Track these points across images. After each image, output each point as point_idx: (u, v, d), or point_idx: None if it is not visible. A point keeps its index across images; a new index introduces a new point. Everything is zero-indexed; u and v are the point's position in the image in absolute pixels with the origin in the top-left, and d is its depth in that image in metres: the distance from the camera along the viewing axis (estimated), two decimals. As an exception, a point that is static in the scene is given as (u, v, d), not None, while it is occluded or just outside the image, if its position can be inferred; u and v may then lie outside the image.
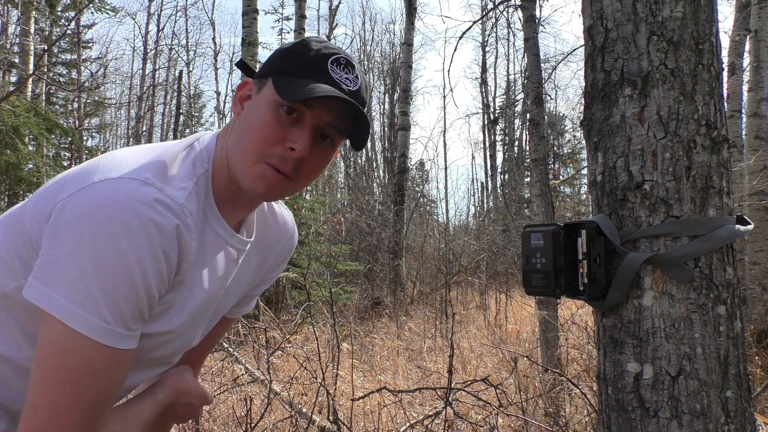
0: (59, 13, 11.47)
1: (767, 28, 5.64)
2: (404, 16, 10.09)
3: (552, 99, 24.98)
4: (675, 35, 0.95)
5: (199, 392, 0.98)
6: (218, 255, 0.89)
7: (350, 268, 7.35)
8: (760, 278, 5.36)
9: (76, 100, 12.72)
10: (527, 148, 17.36)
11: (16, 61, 9.85)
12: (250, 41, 7.07)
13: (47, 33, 12.74)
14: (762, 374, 3.47)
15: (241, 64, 0.98)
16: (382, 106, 22.51)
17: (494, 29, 22.86)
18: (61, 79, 15.31)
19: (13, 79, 11.31)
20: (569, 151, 22.54)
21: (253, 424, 2.46)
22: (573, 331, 4.00)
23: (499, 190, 21.90)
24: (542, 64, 5.21)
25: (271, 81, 0.83)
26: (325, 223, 8.18)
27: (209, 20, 38.57)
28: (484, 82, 23.23)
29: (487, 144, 23.64)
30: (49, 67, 13.68)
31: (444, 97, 25.59)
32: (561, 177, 18.55)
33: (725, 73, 6.05)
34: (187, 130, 22.54)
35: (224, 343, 3.64)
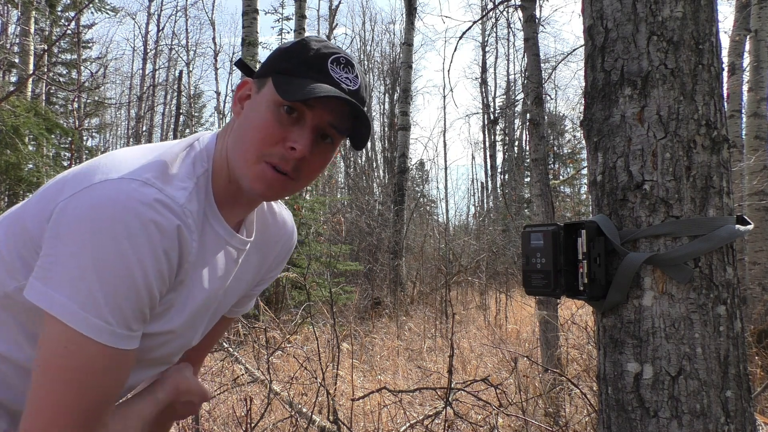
0: (59, 13, 11.47)
1: (767, 28, 5.64)
2: (404, 16, 10.10)
3: (552, 99, 25.00)
4: (675, 35, 0.95)
5: (199, 390, 0.98)
6: (218, 255, 0.89)
7: (350, 268, 7.35)
8: (760, 278, 5.36)
9: (76, 100, 12.72)
10: (527, 148, 17.37)
11: (16, 61, 9.85)
12: (250, 41, 7.07)
13: (47, 33, 12.74)
14: (762, 374, 3.47)
15: (240, 64, 0.98)
16: (382, 106, 22.52)
17: (494, 29, 22.88)
18: (61, 79, 15.31)
19: (13, 79, 11.31)
20: (569, 151, 22.54)
21: (253, 424, 2.46)
22: (573, 331, 4.00)
23: (499, 190, 21.90)
24: (542, 64, 5.21)
25: (271, 81, 0.83)
26: (325, 223, 8.18)
27: (209, 20, 38.58)
28: (484, 82, 23.23)
29: (487, 144, 23.65)
30: (49, 67, 13.68)
31: (444, 97, 25.61)
32: (561, 177, 18.56)
33: (725, 73, 6.05)
34: (187, 130, 22.54)
35: (224, 343, 3.64)
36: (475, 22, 5.42)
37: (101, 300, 0.70)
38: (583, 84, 1.09)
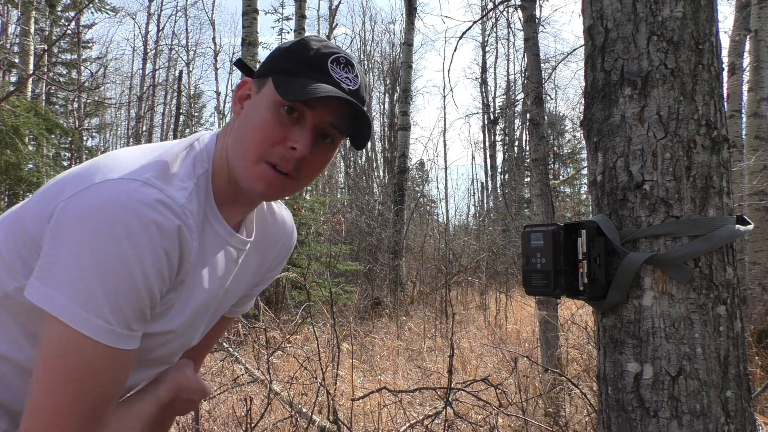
0: (59, 13, 11.47)
1: (767, 28, 5.64)
2: (404, 16, 10.10)
3: (552, 99, 25.00)
4: (675, 35, 0.95)
5: (199, 387, 0.98)
6: (218, 255, 0.90)
7: (350, 268, 7.35)
8: (760, 278, 5.36)
9: (76, 100, 12.72)
10: (527, 148, 17.37)
11: (16, 61, 9.85)
12: (250, 41, 7.07)
13: (47, 33, 12.74)
14: (762, 374, 3.47)
15: (240, 63, 0.98)
16: (382, 106, 22.52)
17: (494, 29, 22.88)
18: (61, 79, 15.31)
19: (13, 79, 11.31)
20: (569, 151, 22.54)
21: (253, 424, 2.46)
22: (573, 331, 4.00)
23: (499, 190, 21.89)
24: (542, 64, 5.21)
25: (272, 81, 0.83)
26: (325, 223, 8.18)
27: (209, 20, 38.56)
28: (484, 82, 23.23)
29: (487, 144, 23.65)
30: (49, 67, 13.68)
31: (444, 97, 25.59)
32: (561, 177, 18.56)
33: (725, 73, 6.05)
34: (187, 130, 22.54)
35: (224, 343, 3.64)
36: (475, 22, 5.42)
37: (102, 300, 0.70)
38: (583, 84, 1.09)
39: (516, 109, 22.16)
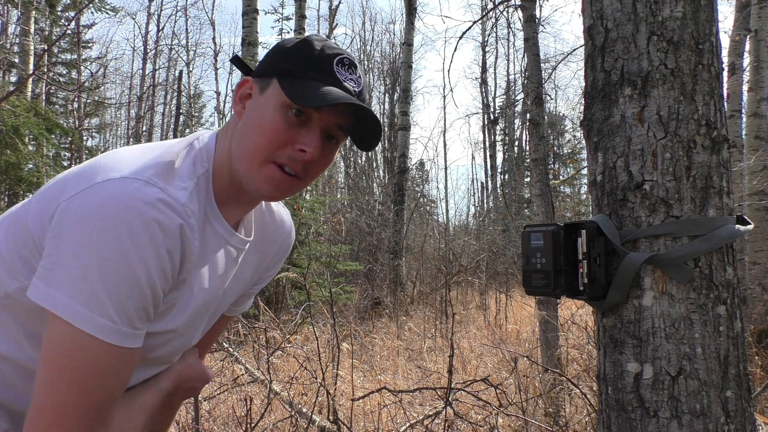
0: (59, 13, 11.47)
1: (767, 28, 5.64)
2: (404, 16, 10.10)
3: (552, 99, 25.00)
4: (675, 35, 0.95)
5: (202, 375, 1.00)
6: (219, 254, 0.90)
7: (350, 268, 7.35)
8: (760, 278, 5.36)
9: (76, 100, 12.72)
10: (527, 148, 17.37)
11: (16, 61, 9.85)
12: (250, 41, 7.07)
13: (47, 33, 12.74)
14: (762, 374, 3.47)
15: (236, 60, 0.97)
16: (382, 106, 22.49)
17: (494, 29, 22.88)
18: (61, 79, 15.31)
19: (13, 79, 11.31)
20: (569, 151, 22.54)
21: (253, 424, 2.46)
22: (573, 331, 4.00)
23: (499, 190, 21.89)
24: (542, 64, 5.21)
25: (278, 82, 0.83)
26: (325, 223, 8.18)
27: (209, 20, 38.54)
28: (484, 82, 23.23)
29: (487, 144, 23.64)
30: (49, 67, 13.68)
31: (444, 97, 25.60)
32: (561, 177, 18.55)
33: (725, 73, 6.05)
34: (187, 130, 22.53)
35: (224, 343, 3.64)
36: (475, 22, 5.42)
37: (105, 299, 0.70)
38: (583, 84, 1.09)
39: (516, 109, 22.17)
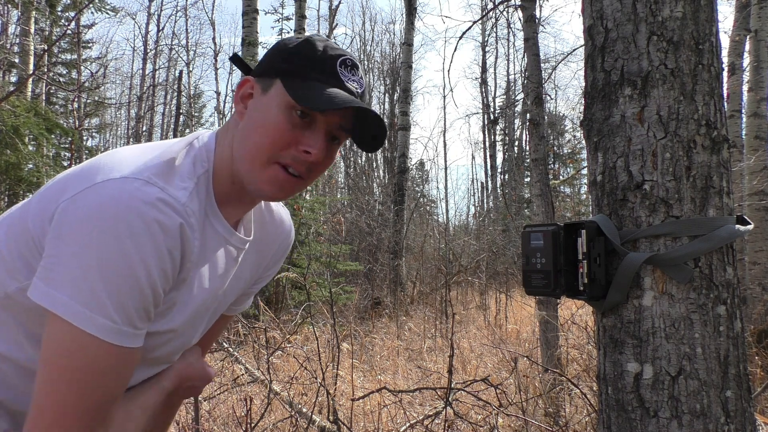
0: (59, 13, 11.47)
1: (767, 28, 5.64)
2: (404, 16, 10.10)
3: (552, 99, 25.01)
4: (675, 35, 0.95)
5: (203, 374, 1.00)
6: (219, 254, 0.90)
7: (350, 268, 7.35)
8: (760, 278, 5.36)
9: (76, 100, 12.72)
10: (527, 148, 17.37)
11: (16, 61, 9.85)
12: (250, 41, 7.07)
13: (47, 33, 12.74)
14: (762, 374, 3.47)
15: (235, 59, 0.96)
16: (382, 106, 22.49)
17: (494, 29, 22.89)
18: (61, 79, 15.31)
19: (13, 79, 11.31)
20: (569, 151, 22.53)
21: (253, 424, 2.46)
22: (573, 331, 4.00)
23: (499, 190, 21.89)
24: (542, 64, 5.21)
25: (281, 83, 0.83)
26: (325, 223, 8.18)
27: (209, 20, 38.53)
28: (484, 82, 23.23)
29: (487, 144, 23.64)
30: (49, 67, 13.67)
31: (444, 97, 25.61)
32: (561, 177, 18.55)
33: (725, 73, 6.05)
34: (187, 130, 22.53)
35: (224, 343, 3.64)
36: (475, 22, 5.42)
37: (105, 299, 0.70)
38: (583, 84, 1.09)
39: (516, 109, 22.17)
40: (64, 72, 15.87)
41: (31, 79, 9.45)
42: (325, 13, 22.09)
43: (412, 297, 8.32)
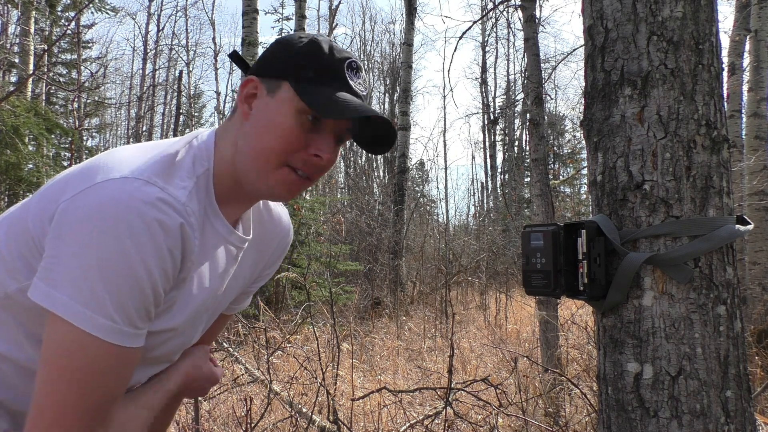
0: (59, 13, 11.47)
1: (767, 28, 5.64)
2: (404, 16, 10.10)
3: (552, 99, 25.01)
4: (675, 35, 0.95)
5: (209, 376, 1.00)
6: (218, 253, 0.90)
7: (350, 268, 7.35)
8: (760, 278, 5.36)
9: (76, 100, 12.72)
10: (527, 148, 17.37)
11: (16, 61, 9.85)
12: (250, 41, 7.07)
13: (47, 33, 12.74)
14: (762, 374, 3.47)
15: (234, 56, 0.95)
16: (382, 106, 22.49)
17: (494, 29, 22.89)
18: (61, 79, 15.31)
19: (13, 79, 11.31)
20: (569, 151, 22.53)
21: (253, 424, 2.46)
22: (573, 331, 4.00)
23: (499, 190, 21.89)
24: (542, 64, 5.21)
25: (291, 87, 0.83)
26: (325, 223, 8.18)
27: (209, 20, 38.55)
28: (484, 82, 23.23)
29: (487, 144, 23.65)
30: (49, 67, 13.67)
31: (444, 97, 25.64)
32: (561, 177, 18.55)
33: (725, 73, 6.05)
34: (187, 130, 22.51)
35: (224, 343, 3.64)
36: (475, 22, 5.42)
37: (105, 299, 0.70)
38: (583, 84, 1.09)
39: (516, 109, 22.18)
40: (64, 72, 15.87)
41: (31, 79, 9.45)
42: (325, 13, 22.11)
43: (412, 297, 8.32)
